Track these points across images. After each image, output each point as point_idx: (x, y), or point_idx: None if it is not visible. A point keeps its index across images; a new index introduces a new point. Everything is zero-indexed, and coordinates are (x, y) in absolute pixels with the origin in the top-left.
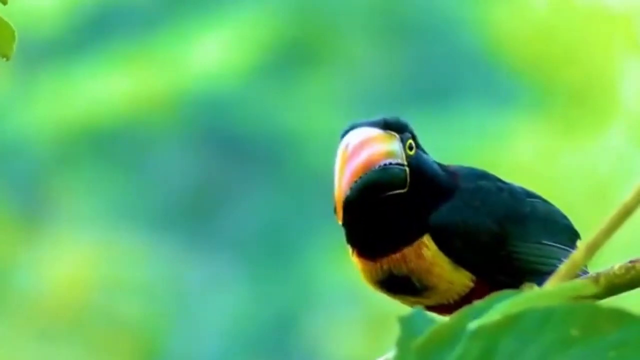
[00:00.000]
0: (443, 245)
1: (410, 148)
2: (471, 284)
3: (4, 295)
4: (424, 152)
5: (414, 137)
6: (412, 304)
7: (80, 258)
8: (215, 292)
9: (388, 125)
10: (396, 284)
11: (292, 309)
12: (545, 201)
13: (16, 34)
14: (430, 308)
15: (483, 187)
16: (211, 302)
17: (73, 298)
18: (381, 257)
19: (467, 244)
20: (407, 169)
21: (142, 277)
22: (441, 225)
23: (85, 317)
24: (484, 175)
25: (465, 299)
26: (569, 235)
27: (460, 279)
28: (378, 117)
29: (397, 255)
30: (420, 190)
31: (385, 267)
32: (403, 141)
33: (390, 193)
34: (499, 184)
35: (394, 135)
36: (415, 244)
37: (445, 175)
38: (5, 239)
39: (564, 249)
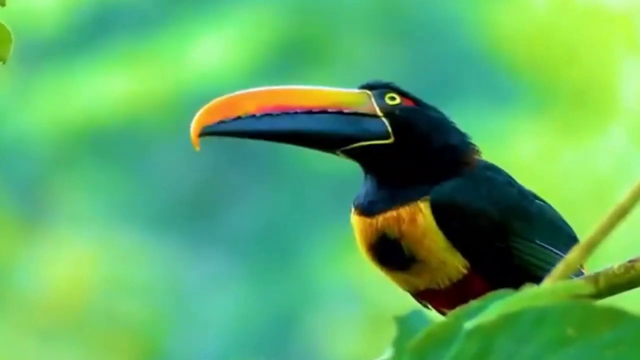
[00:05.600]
0: (440, 219)
1: (392, 99)
2: (464, 271)
3: (4, 295)
4: (434, 112)
5: (400, 92)
6: (403, 284)
7: (80, 258)
8: (215, 291)
9: (366, 86)
10: (386, 251)
11: (292, 309)
12: (551, 207)
13: (12, 36)
14: (422, 296)
15: (493, 177)
16: (211, 302)
17: (73, 298)
18: (377, 213)
19: (465, 224)
20: (384, 119)
21: (142, 277)
22: (441, 199)
23: (85, 317)
24: (497, 171)
25: (458, 287)
26: (571, 245)
27: (453, 261)
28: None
29: (393, 213)
30: (414, 140)
31: (379, 225)
32: (378, 95)
33: (373, 143)
34: (511, 181)
35: (365, 93)
36: (411, 206)
37: (462, 140)
38: (5, 239)
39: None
